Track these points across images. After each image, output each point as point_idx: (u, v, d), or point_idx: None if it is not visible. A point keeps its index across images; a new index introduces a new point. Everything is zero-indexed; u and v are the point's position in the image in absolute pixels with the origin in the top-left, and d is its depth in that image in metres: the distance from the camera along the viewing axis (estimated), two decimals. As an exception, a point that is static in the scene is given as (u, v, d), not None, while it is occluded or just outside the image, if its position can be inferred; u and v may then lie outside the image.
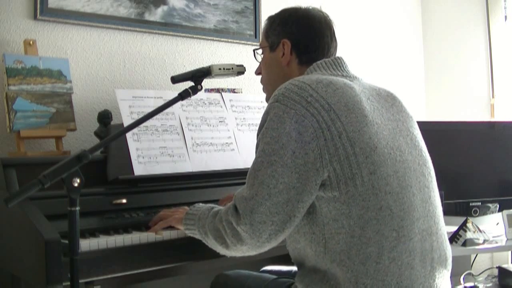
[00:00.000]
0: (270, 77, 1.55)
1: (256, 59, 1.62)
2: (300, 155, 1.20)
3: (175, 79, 1.60)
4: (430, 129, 2.46)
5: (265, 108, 1.31)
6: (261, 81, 1.60)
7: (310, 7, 1.53)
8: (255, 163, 1.25)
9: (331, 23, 1.51)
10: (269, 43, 1.54)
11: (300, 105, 1.23)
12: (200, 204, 1.48)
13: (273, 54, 1.52)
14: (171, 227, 1.58)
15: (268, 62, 1.55)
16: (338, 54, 1.52)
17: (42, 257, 1.31)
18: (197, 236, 1.42)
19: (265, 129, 1.26)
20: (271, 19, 1.55)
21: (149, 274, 1.52)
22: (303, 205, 1.22)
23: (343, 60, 1.46)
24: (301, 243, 1.29)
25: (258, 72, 1.61)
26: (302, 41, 1.47)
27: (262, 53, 1.58)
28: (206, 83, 1.79)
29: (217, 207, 1.39)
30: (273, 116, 1.25)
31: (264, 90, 1.59)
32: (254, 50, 1.63)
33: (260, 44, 1.59)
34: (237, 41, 2.65)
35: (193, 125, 1.97)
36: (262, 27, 1.62)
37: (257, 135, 1.30)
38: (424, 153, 1.39)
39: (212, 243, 1.34)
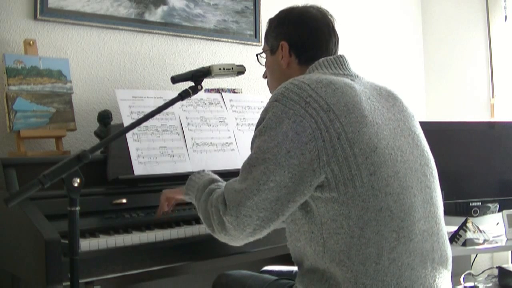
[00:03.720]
0: (274, 80, 1.55)
1: (260, 63, 1.63)
2: (295, 155, 1.20)
3: (175, 79, 1.60)
4: (430, 129, 2.44)
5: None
6: (267, 84, 1.60)
7: (308, 5, 1.52)
8: (250, 158, 1.25)
9: (329, 18, 1.50)
10: (269, 46, 1.54)
11: (299, 106, 1.23)
12: (206, 171, 1.50)
13: (273, 57, 1.52)
14: (171, 227, 1.58)
15: (270, 66, 1.55)
16: (339, 53, 1.51)
17: (42, 257, 1.31)
18: (194, 204, 1.44)
19: (262, 127, 1.26)
20: (270, 22, 1.55)
21: (149, 274, 1.52)
22: (294, 204, 1.22)
23: (345, 59, 1.45)
24: (301, 241, 1.29)
25: (265, 76, 1.61)
26: (299, 40, 1.46)
27: (266, 57, 1.58)
28: (206, 83, 1.79)
29: (216, 183, 1.40)
30: (272, 116, 1.25)
31: (271, 93, 1.59)
32: (257, 55, 1.63)
33: (262, 48, 1.60)
34: (237, 41, 2.65)
35: (193, 125, 1.97)
36: (262, 27, 1.62)
37: (255, 130, 1.30)
38: (427, 152, 1.38)
39: (202, 220, 1.36)
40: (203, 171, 1.50)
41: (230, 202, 1.22)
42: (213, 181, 1.41)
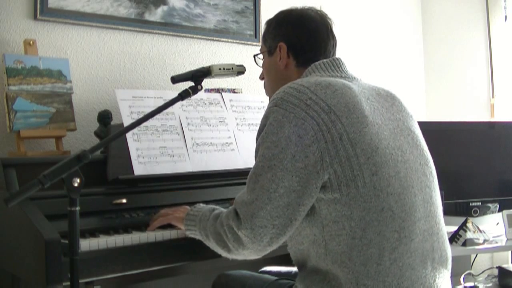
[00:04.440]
0: (271, 81, 1.55)
1: (257, 64, 1.63)
2: (300, 158, 1.20)
3: (175, 79, 1.60)
4: (430, 129, 2.45)
5: (265, 109, 1.31)
6: (264, 86, 1.60)
7: (306, 7, 1.52)
8: (255, 167, 1.25)
9: (328, 21, 1.50)
10: (267, 47, 1.54)
11: (300, 108, 1.23)
12: (201, 204, 1.48)
13: (271, 58, 1.52)
14: (171, 227, 1.58)
15: (268, 67, 1.55)
16: (337, 54, 1.52)
17: (42, 257, 1.31)
18: (198, 237, 1.42)
19: (264, 134, 1.26)
20: (268, 23, 1.55)
21: (149, 274, 1.52)
22: (304, 208, 1.22)
23: (341, 61, 1.45)
24: (305, 244, 1.29)
25: (262, 77, 1.61)
26: (297, 42, 1.47)
27: (263, 58, 1.58)
28: (206, 83, 1.79)
29: (218, 209, 1.39)
30: (273, 121, 1.25)
31: (267, 94, 1.59)
32: (254, 56, 1.63)
33: (260, 49, 1.60)
34: (237, 41, 2.65)
35: (193, 125, 1.97)
36: (262, 27, 1.62)
37: (256, 139, 1.30)
38: (426, 152, 1.38)
39: (213, 246, 1.34)
40: (199, 204, 1.49)
41: (243, 215, 1.22)
42: (213, 209, 1.40)
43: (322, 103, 1.24)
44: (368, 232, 1.20)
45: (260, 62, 1.60)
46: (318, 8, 1.53)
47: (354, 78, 1.43)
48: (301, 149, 1.20)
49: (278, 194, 1.19)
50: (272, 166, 1.21)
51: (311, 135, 1.20)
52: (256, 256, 1.29)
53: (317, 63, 1.42)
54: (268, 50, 1.53)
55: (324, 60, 1.43)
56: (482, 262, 3.10)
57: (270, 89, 1.56)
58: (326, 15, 1.52)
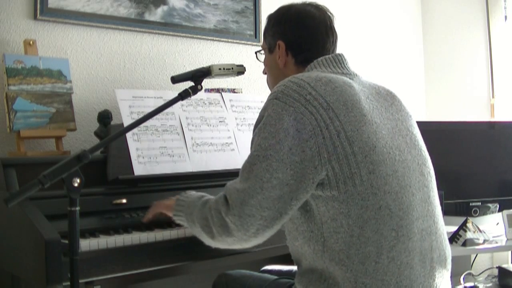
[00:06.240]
0: (272, 78, 1.55)
1: (259, 60, 1.63)
2: (297, 152, 1.20)
3: (175, 79, 1.60)
4: (430, 129, 2.46)
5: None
6: (266, 81, 1.61)
7: (307, 2, 1.52)
8: (250, 156, 1.25)
9: (328, 16, 1.49)
10: (267, 44, 1.54)
11: (299, 103, 1.23)
12: (192, 191, 1.47)
13: (271, 55, 1.52)
14: (171, 227, 1.58)
15: (269, 64, 1.55)
16: (338, 51, 1.51)
17: (42, 257, 1.31)
18: (185, 224, 1.42)
19: (262, 125, 1.25)
20: (268, 19, 1.55)
21: (149, 274, 1.52)
22: (296, 203, 1.22)
23: (343, 57, 1.45)
24: (299, 240, 1.29)
25: (265, 72, 1.62)
26: (296, 40, 1.46)
27: (264, 54, 1.58)
28: (206, 83, 1.79)
29: (207, 196, 1.38)
30: (271, 113, 1.25)
31: (270, 89, 1.59)
32: (256, 52, 1.64)
33: (261, 45, 1.60)
34: (237, 41, 2.65)
35: (193, 125, 1.97)
36: (262, 27, 1.62)
37: (254, 130, 1.30)
38: (424, 152, 1.38)
39: (198, 232, 1.34)
40: (189, 191, 1.48)
41: (232, 201, 1.21)
42: (202, 195, 1.40)
43: (321, 99, 1.24)
44: (366, 230, 1.20)
45: (262, 57, 1.60)
46: (316, 3, 1.52)
47: (356, 75, 1.42)
48: (298, 143, 1.20)
49: (271, 184, 1.19)
50: (268, 156, 1.20)
51: (309, 130, 1.21)
52: (239, 246, 1.27)
53: (319, 59, 1.42)
54: (268, 47, 1.53)
55: (327, 56, 1.42)
56: (482, 262, 3.10)
57: (272, 85, 1.56)
58: (327, 10, 1.50)
